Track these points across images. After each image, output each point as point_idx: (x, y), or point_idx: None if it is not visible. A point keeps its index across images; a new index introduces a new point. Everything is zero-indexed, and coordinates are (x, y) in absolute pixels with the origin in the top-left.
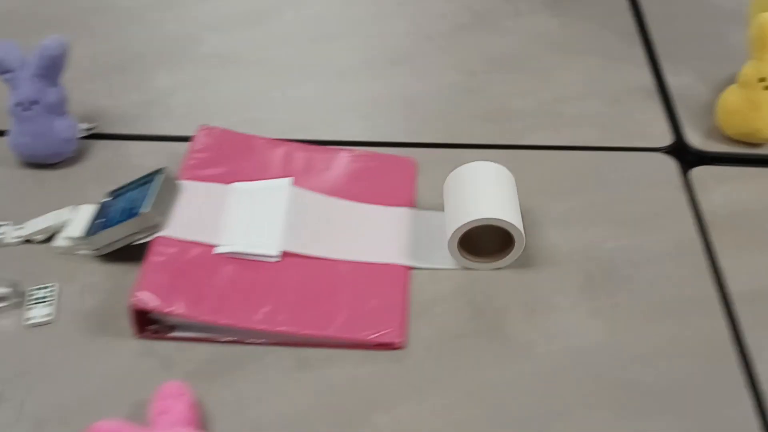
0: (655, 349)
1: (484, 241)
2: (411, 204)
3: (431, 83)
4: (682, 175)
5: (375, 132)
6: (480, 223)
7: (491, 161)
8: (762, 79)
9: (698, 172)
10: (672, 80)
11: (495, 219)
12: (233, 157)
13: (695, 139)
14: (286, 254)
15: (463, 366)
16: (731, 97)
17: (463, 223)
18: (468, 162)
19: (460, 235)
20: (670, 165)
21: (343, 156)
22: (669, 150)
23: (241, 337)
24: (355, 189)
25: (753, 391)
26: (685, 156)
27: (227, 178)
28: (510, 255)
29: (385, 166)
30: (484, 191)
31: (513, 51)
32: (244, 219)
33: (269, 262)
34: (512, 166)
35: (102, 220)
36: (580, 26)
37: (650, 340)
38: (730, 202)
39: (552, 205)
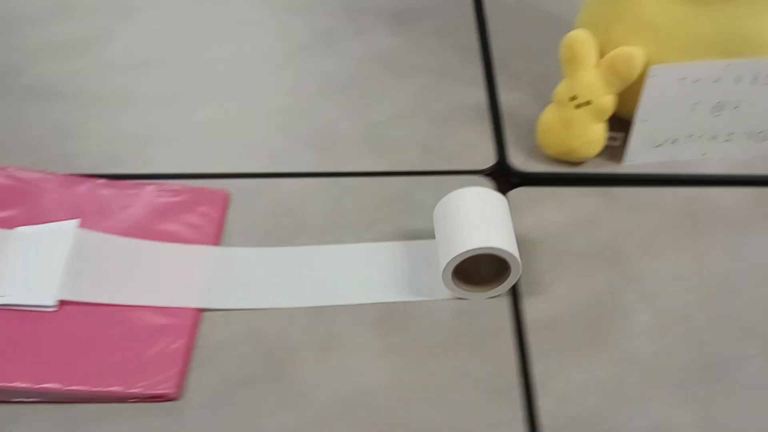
0: (442, 386)
1: (479, 270)
2: (216, 241)
3: (259, 108)
4: None
5: (192, 164)
6: (476, 252)
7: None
8: (573, 98)
9: (515, 194)
10: (504, 98)
11: (490, 248)
12: (25, 199)
13: (518, 160)
14: (64, 303)
15: (241, 415)
16: (548, 116)
17: (459, 252)
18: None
19: (455, 264)
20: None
21: (149, 191)
22: (492, 171)
23: (6, 396)
24: (156, 227)
25: (530, 424)
26: (509, 177)
27: (13, 223)
28: (506, 282)
29: (193, 200)
30: (479, 218)
31: (348, 72)
32: (22, 266)
33: (46, 313)
34: (331, 194)
35: None
36: (421, 44)
37: (438, 376)
38: (543, 224)
39: (361, 235)
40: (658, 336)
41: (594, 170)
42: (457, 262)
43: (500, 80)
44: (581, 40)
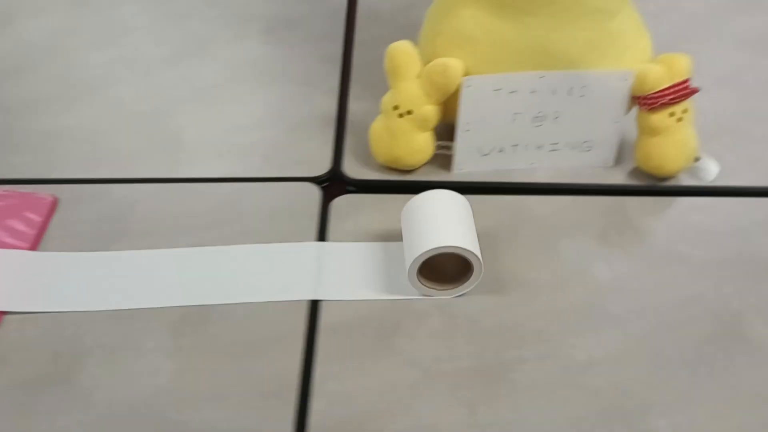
0: (223, 388)
1: (445, 269)
2: (34, 246)
3: (116, 114)
4: (323, 204)
5: (29, 169)
6: (439, 251)
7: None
8: (396, 107)
9: (339, 201)
10: (354, 107)
11: (454, 246)
12: None
13: (352, 168)
14: None
15: (22, 417)
16: (376, 125)
17: (425, 250)
18: None
19: (420, 262)
20: (315, 195)
21: None
22: (326, 179)
23: None
24: None
25: (299, 424)
26: (344, 185)
27: None
28: (470, 281)
29: (19, 206)
30: (444, 219)
31: (215, 78)
32: None
33: None
34: (161, 200)
35: None
36: (290, 53)
37: (222, 378)
38: (360, 230)
39: (177, 240)
40: (443, 340)
41: (423, 178)
42: (423, 259)
43: (353, 90)
44: (401, 50)
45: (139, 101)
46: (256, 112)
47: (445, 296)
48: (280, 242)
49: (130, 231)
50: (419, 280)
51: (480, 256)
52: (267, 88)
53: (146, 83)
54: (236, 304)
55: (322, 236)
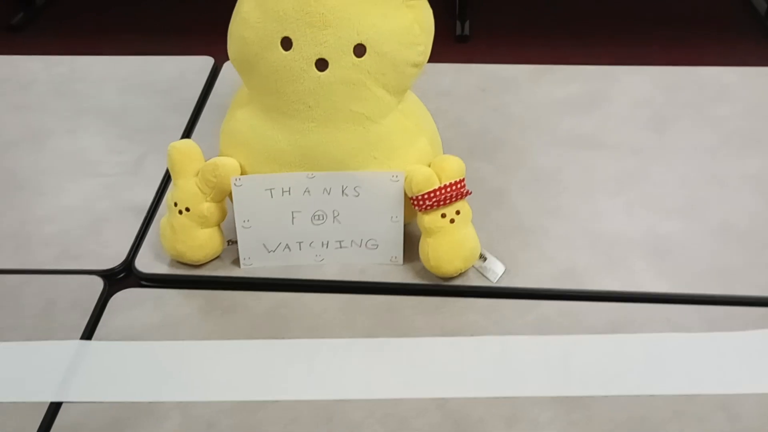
0: None
1: None
2: None
3: None
4: (104, 299)
5: None
6: None
7: None
8: (175, 204)
9: (119, 296)
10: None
11: None
12: None
13: (144, 262)
14: None
15: None
16: (164, 220)
17: None
18: None
19: None
20: (98, 289)
21: None
22: (118, 271)
23: None
24: None
25: None
26: (136, 278)
27: None
28: None
29: None
30: None
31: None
32: None
33: None
34: None
35: None
36: (119, 141)
37: None
38: (127, 327)
39: None
40: None
41: (212, 273)
42: None
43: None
44: (179, 150)
45: None
46: (64, 203)
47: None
48: (41, 340)
49: None
50: None
51: None
52: (87, 178)
53: None
54: None
55: (91, 333)
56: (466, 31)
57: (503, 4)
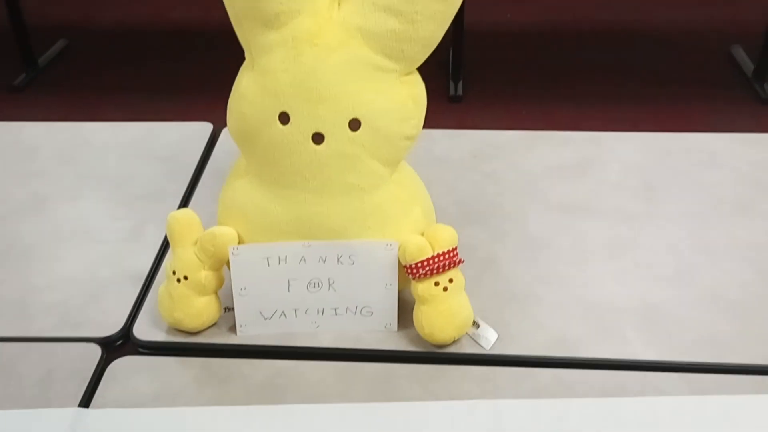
0: None
1: None
2: None
3: None
4: (102, 367)
5: None
6: None
7: None
8: (174, 272)
9: (115, 365)
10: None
11: None
12: None
13: (147, 328)
14: None
15: None
16: (162, 288)
17: None
18: None
19: None
20: (95, 356)
21: None
22: (116, 339)
23: None
24: None
25: None
26: (134, 345)
27: None
28: None
29: None
30: None
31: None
32: None
33: None
34: None
35: None
36: (118, 208)
37: None
38: (124, 396)
39: None
40: None
41: (209, 340)
42: None
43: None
44: (177, 219)
45: None
46: (65, 270)
47: None
48: (38, 408)
49: None
50: None
51: None
52: (87, 246)
53: None
54: None
55: (88, 401)
56: (460, 92)
57: (496, 65)
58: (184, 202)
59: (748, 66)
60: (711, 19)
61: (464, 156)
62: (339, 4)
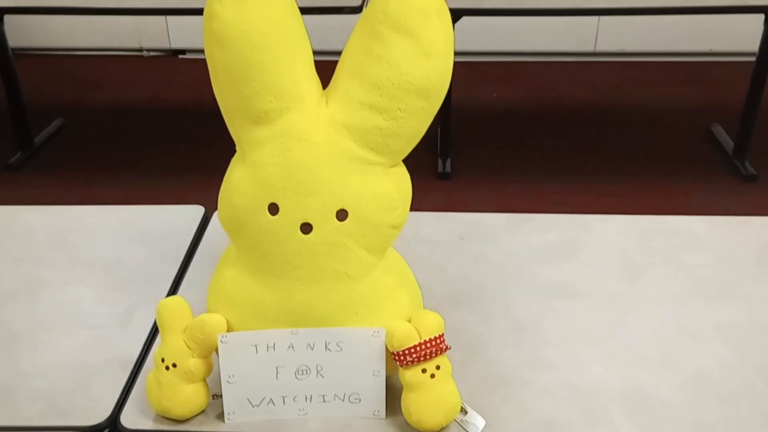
0: None
1: None
2: None
3: None
4: None
5: None
6: None
7: None
8: (162, 360)
9: None
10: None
11: None
12: None
13: (134, 416)
14: None
15: None
16: (150, 375)
17: None
18: None
19: None
20: None
21: None
22: (103, 427)
23: None
24: None
25: None
26: None
27: None
28: None
29: None
30: None
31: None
32: None
33: None
34: None
35: None
36: (107, 293)
37: None
38: None
39: None
40: None
41: (196, 428)
42: None
43: None
44: (166, 307)
45: None
46: (54, 356)
47: None
48: None
49: None
50: None
51: None
52: (77, 331)
53: None
54: None
55: None
56: (448, 169)
57: (483, 142)
58: (175, 287)
59: (728, 144)
60: (691, 98)
61: (452, 237)
62: (326, 102)
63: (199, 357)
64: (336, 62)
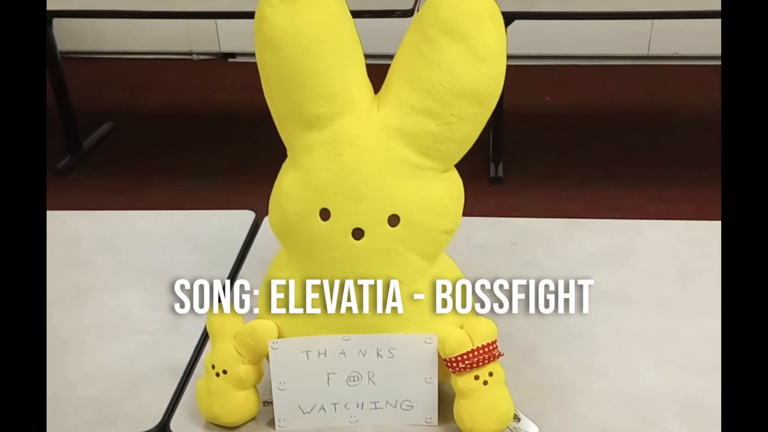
0: None
1: None
2: None
3: None
4: None
5: None
6: None
7: None
8: (213, 367)
9: None
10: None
11: None
12: None
13: (181, 424)
14: None
15: None
16: (200, 382)
17: None
18: None
19: None
20: None
21: None
22: None
23: None
24: None
25: None
26: None
27: None
28: None
29: None
30: None
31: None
32: None
33: None
34: None
35: None
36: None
37: None
38: None
39: None
40: None
41: None
42: None
43: None
44: (216, 316)
45: None
46: (102, 363)
47: None
48: None
49: None
50: None
51: None
52: (126, 337)
53: None
54: None
55: None
56: (500, 173)
57: (535, 146)
58: None
59: None
60: None
61: (504, 243)
62: (378, 107)
63: (250, 363)
64: (388, 66)
